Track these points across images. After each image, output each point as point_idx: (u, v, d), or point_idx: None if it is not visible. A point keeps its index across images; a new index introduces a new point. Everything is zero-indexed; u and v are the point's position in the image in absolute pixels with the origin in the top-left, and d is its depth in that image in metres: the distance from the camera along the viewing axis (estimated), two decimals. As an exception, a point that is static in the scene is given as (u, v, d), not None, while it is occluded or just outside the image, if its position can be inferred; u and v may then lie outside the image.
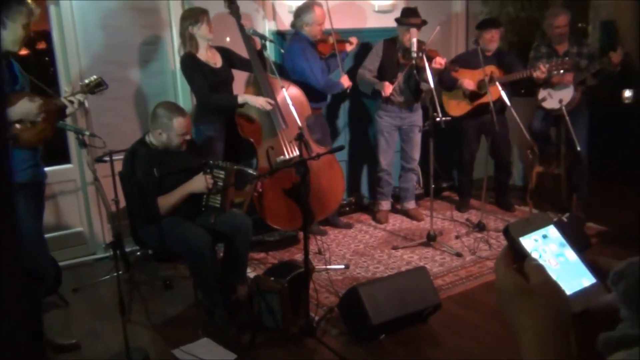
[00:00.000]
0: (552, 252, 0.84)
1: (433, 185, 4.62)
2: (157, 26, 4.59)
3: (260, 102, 4.12)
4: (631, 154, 5.14)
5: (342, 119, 5.39)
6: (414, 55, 4.39)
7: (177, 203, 3.41)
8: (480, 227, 4.74)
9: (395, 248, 4.53)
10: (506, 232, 0.84)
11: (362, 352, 3.10)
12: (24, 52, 4.35)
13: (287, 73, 4.57)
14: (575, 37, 5.05)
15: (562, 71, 4.60)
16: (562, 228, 0.86)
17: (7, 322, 0.50)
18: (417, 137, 5.06)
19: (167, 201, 3.39)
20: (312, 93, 4.49)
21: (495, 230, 4.76)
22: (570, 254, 0.85)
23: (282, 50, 4.65)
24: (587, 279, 0.83)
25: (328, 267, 4.13)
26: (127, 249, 4.06)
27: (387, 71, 4.79)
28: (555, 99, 4.73)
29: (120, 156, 3.49)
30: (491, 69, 4.82)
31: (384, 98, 4.87)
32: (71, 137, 4.28)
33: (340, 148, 3.56)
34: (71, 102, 3.00)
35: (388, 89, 4.69)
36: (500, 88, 4.40)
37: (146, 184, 3.36)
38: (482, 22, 5.17)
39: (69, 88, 3.16)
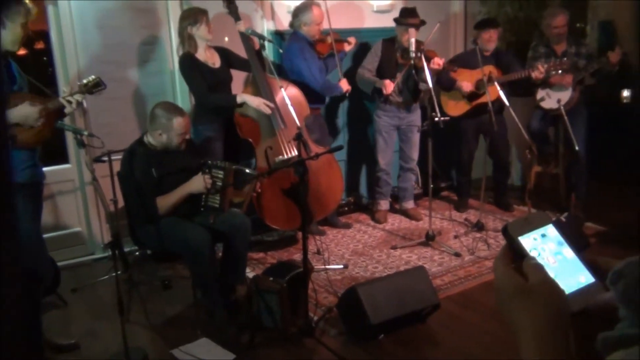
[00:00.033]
0: (550, 250, 0.84)
1: (432, 185, 4.63)
2: (155, 26, 4.59)
3: (257, 102, 4.12)
4: (629, 153, 5.15)
5: (340, 119, 5.40)
6: (413, 55, 4.39)
7: (176, 203, 3.41)
8: (479, 226, 4.74)
9: (394, 248, 4.53)
10: (505, 231, 0.84)
11: (361, 352, 3.10)
12: (22, 52, 4.35)
13: (286, 73, 4.56)
14: (574, 37, 5.06)
15: (560, 71, 4.60)
16: (560, 227, 0.87)
17: (7, 322, 0.50)
18: (416, 137, 5.06)
19: (166, 201, 3.39)
20: (311, 93, 4.49)
21: (493, 230, 4.76)
22: (568, 252, 0.85)
23: (281, 50, 4.65)
24: (584, 276, 0.83)
25: (327, 267, 4.13)
26: (126, 249, 4.07)
27: (385, 71, 4.80)
28: (553, 98, 4.74)
29: (119, 156, 3.49)
30: (490, 69, 4.82)
31: (383, 98, 4.88)
32: (69, 137, 4.27)
33: (339, 148, 3.57)
34: (69, 102, 2.99)
35: (389, 86, 4.68)
36: (498, 88, 4.40)
37: (145, 184, 3.36)
38: (481, 22, 5.18)
39: (68, 88, 3.16)
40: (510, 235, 0.83)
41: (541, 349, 0.73)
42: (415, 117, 5.05)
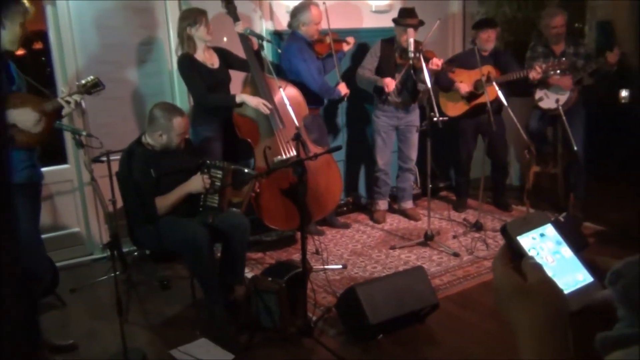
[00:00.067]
0: (549, 249, 0.85)
1: (430, 185, 4.63)
2: (153, 26, 4.59)
3: (256, 102, 4.12)
4: (628, 153, 5.16)
5: (339, 119, 5.40)
6: (412, 55, 4.39)
7: (175, 203, 3.41)
8: (478, 226, 4.75)
9: (392, 248, 4.53)
10: (504, 231, 0.84)
11: (360, 352, 3.10)
12: (20, 52, 4.34)
13: (285, 73, 4.56)
14: (572, 37, 5.06)
15: (558, 71, 4.61)
16: (559, 227, 0.87)
17: (8, 322, 0.50)
18: (414, 137, 5.07)
19: (164, 202, 3.39)
20: (311, 94, 4.49)
21: (492, 230, 4.77)
22: (566, 251, 0.85)
23: (279, 50, 4.65)
24: (582, 275, 0.84)
25: (326, 267, 4.12)
26: (125, 250, 4.07)
27: (384, 71, 4.79)
28: (552, 98, 4.74)
29: (118, 156, 3.49)
30: (488, 69, 4.82)
31: (385, 96, 4.88)
32: (68, 138, 4.27)
33: (338, 148, 3.57)
34: (68, 102, 2.99)
35: (391, 84, 4.67)
36: (497, 88, 4.41)
37: (143, 184, 3.36)
38: (479, 22, 5.18)
39: (66, 88, 3.15)
40: (509, 235, 0.84)
41: (540, 348, 0.73)
42: (414, 117, 5.05)
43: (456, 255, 4.34)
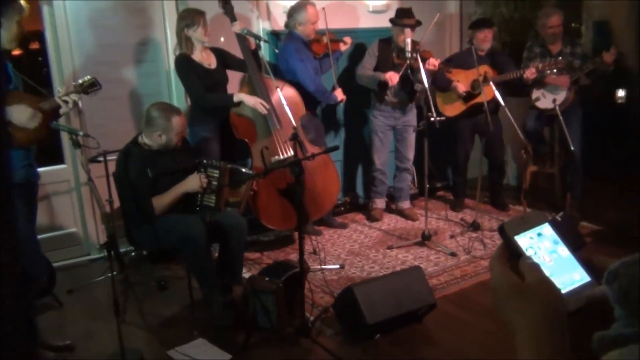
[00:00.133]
0: (546, 249, 0.85)
1: (427, 185, 4.63)
2: (150, 26, 4.58)
3: (253, 101, 4.12)
4: (625, 153, 5.17)
5: (337, 119, 5.40)
6: (409, 55, 4.40)
7: (172, 203, 3.41)
8: (475, 226, 4.75)
9: (390, 248, 4.54)
10: (501, 230, 0.84)
11: (358, 352, 3.10)
12: (17, 52, 4.34)
13: (282, 73, 4.56)
14: (569, 37, 5.07)
15: (555, 70, 4.62)
16: (556, 226, 0.87)
17: (8, 322, 0.50)
18: (411, 137, 5.07)
19: (161, 201, 3.39)
20: (308, 94, 4.49)
21: (489, 230, 4.77)
22: (563, 251, 0.86)
23: (277, 50, 4.65)
24: (579, 274, 0.84)
25: (323, 267, 4.12)
26: (122, 250, 4.06)
27: (382, 71, 4.79)
28: (548, 98, 4.75)
29: (115, 156, 3.48)
30: (485, 68, 4.83)
31: (381, 96, 4.89)
32: (65, 138, 4.26)
33: (335, 148, 3.57)
34: (65, 102, 2.99)
35: (394, 77, 4.64)
36: (494, 88, 4.41)
37: (140, 184, 3.35)
38: (475, 21, 5.19)
39: (63, 88, 3.15)
40: (507, 235, 0.84)
41: (538, 348, 0.74)
42: (411, 117, 5.06)
43: (453, 255, 4.35)
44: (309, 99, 4.51)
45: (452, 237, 4.73)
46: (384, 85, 4.79)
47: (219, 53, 4.32)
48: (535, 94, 4.91)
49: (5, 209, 0.52)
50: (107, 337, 3.26)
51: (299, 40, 4.55)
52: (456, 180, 5.55)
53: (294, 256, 4.33)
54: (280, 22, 4.94)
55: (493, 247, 4.44)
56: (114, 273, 3.03)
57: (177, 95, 4.67)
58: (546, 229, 0.86)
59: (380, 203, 5.29)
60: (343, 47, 4.72)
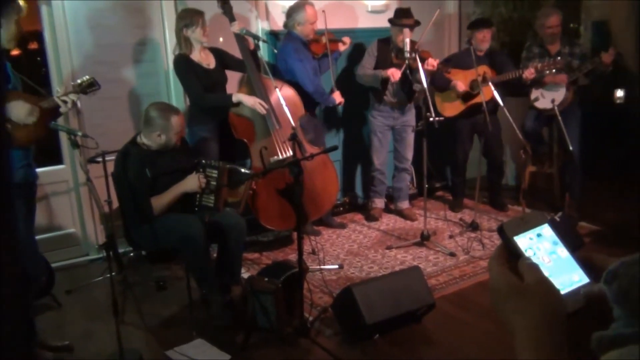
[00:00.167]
0: (545, 249, 0.85)
1: (426, 185, 4.63)
2: (149, 26, 4.58)
3: (252, 101, 4.12)
4: (623, 153, 5.17)
5: (335, 119, 5.40)
6: (407, 55, 4.40)
7: (171, 203, 3.41)
8: (474, 226, 4.75)
9: (389, 248, 4.54)
10: (501, 231, 0.84)
11: (356, 352, 3.10)
12: (15, 52, 4.33)
13: (281, 73, 4.56)
14: (567, 37, 5.08)
15: (554, 70, 4.62)
16: (555, 227, 0.87)
17: (8, 322, 0.50)
18: (410, 137, 5.08)
19: (160, 201, 3.39)
20: (307, 94, 4.49)
21: (488, 230, 4.78)
22: (563, 251, 0.86)
23: (275, 51, 4.65)
24: (577, 275, 0.84)
25: (322, 267, 4.12)
26: (120, 250, 4.06)
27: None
28: (547, 98, 4.75)
29: (113, 157, 3.48)
30: (484, 69, 4.83)
31: (378, 98, 4.90)
32: (63, 138, 4.26)
33: (334, 148, 3.57)
34: (64, 102, 2.99)
35: (396, 73, 4.62)
36: (492, 88, 4.42)
37: (138, 184, 3.35)
38: (474, 22, 5.19)
39: (61, 88, 3.15)
40: (506, 235, 0.84)
41: (537, 349, 0.74)
42: (410, 117, 5.06)
43: (452, 255, 4.35)
44: (308, 99, 4.51)
45: (451, 237, 4.73)
46: (385, 82, 4.78)
47: (217, 53, 4.32)
48: (534, 94, 4.91)
49: (5, 209, 0.52)
50: (105, 338, 3.26)
51: (298, 40, 4.55)
52: (455, 181, 5.55)
53: (293, 256, 4.33)
54: (279, 22, 4.94)
55: (492, 247, 4.45)
56: (113, 273, 3.03)
57: (176, 95, 4.67)
58: (546, 229, 0.86)
59: (379, 203, 5.29)
60: (342, 47, 4.72)
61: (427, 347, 3.18)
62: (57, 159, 4.43)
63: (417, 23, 4.70)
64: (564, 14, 4.92)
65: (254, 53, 4.26)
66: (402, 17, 4.72)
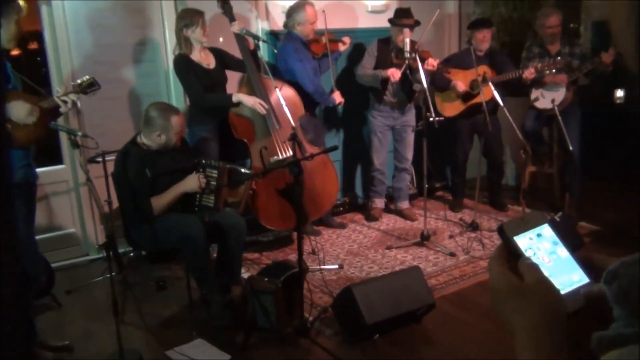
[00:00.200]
0: (545, 250, 0.85)
1: (426, 185, 4.63)
2: (149, 26, 4.58)
3: (252, 101, 4.12)
4: (623, 153, 5.18)
5: (335, 119, 5.40)
6: (407, 55, 4.40)
7: (171, 203, 3.41)
8: (474, 226, 4.75)
9: (389, 248, 4.54)
10: (501, 230, 0.84)
11: (356, 352, 3.10)
12: (15, 52, 4.33)
13: (281, 73, 4.56)
14: (567, 37, 5.08)
15: (554, 70, 4.62)
16: (555, 227, 0.87)
17: (8, 322, 0.50)
18: (410, 137, 5.08)
19: (160, 201, 3.39)
20: (307, 94, 4.49)
21: (488, 230, 4.78)
22: (563, 252, 0.86)
23: (275, 51, 4.65)
24: (577, 275, 0.84)
25: (322, 267, 4.12)
26: (120, 250, 4.06)
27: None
28: (547, 99, 4.75)
29: (113, 157, 3.48)
30: (484, 69, 4.83)
31: (378, 98, 4.90)
32: (63, 138, 4.26)
33: (334, 148, 3.57)
34: (64, 102, 2.99)
35: (396, 73, 4.62)
36: (492, 88, 4.42)
37: (138, 184, 3.35)
38: (474, 22, 5.19)
39: (61, 88, 3.15)
40: (506, 235, 0.84)
41: (537, 349, 0.74)
42: (410, 117, 5.06)
43: (452, 255, 4.35)
44: (308, 99, 4.51)
45: (451, 237, 4.73)
46: (385, 82, 4.78)
47: (218, 53, 4.32)
48: (534, 94, 4.91)
49: (5, 209, 0.52)
50: (105, 338, 3.26)
51: (298, 40, 4.55)
52: (455, 180, 5.56)
53: (293, 256, 4.33)
54: (279, 22, 4.94)
55: (492, 247, 4.45)
56: (113, 273, 3.03)
57: (176, 95, 4.67)
58: (546, 229, 0.86)
59: (379, 202, 5.29)
60: (342, 47, 4.72)
61: (427, 347, 3.18)
62: (57, 159, 4.43)
63: (417, 23, 4.70)
64: (564, 14, 4.92)
65: (254, 53, 4.26)
66: (402, 17, 4.72)
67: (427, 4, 5.47)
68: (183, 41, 4.11)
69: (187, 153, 3.67)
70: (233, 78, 4.55)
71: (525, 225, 0.85)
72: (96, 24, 4.33)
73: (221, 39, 4.64)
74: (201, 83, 4.10)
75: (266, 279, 3.24)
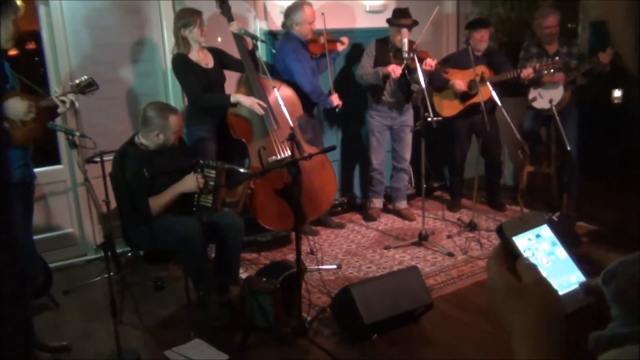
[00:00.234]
0: (544, 250, 0.85)
1: (424, 185, 4.64)
2: (147, 26, 4.58)
3: (250, 102, 4.12)
4: (621, 153, 5.18)
5: (334, 119, 5.40)
6: (405, 55, 4.40)
7: (169, 203, 3.41)
8: (472, 226, 4.76)
9: (387, 248, 4.54)
10: (500, 231, 0.84)
11: (355, 352, 3.10)
12: (13, 52, 4.33)
13: (279, 73, 4.56)
14: (565, 37, 5.08)
15: (552, 70, 4.63)
16: (554, 227, 0.87)
17: (8, 322, 0.50)
18: (408, 137, 5.08)
19: (158, 201, 3.38)
20: (305, 94, 4.49)
21: (486, 230, 4.78)
22: (561, 253, 0.86)
23: (274, 51, 4.65)
24: (575, 276, 0.84)
25: (320, 267, 4.13)
26: (118, 250, 4.05)
27: (379, 71, 4.80)
28: (545, 98, 4.76)
29: (111, 157, 3.48)
30: (482, 69, 4.84)
31: (376, 98, 4.90)
32: (61, 138, 4.25)
33: (332, 148, 3.57)
34: (63, 101, 2.99)
35: (397, 69, 4.61)
36: (490, 88, 4.42)
37: (136, 184, 3.35)
38: (472, 22, 5.20)
39: (59, 88, 3.15)
40: (505, 235, 0.84)
41: (535, 349, 0.74)
42: (408, 117, 5.06)
43: (450, 255, 4.35)
44: (307, 99, 4.51)
45: (449, 237, 4.73)
46: (386, 79, 4.77)
47: (216, 53, 4.31)
48: (532, 94, 4.92)
49: (4, 209, 0.51)
50: (104, 338, 3.26)
51: (296, 40, 4.55)
52: (453, 180, 5.56)
53: (291, 256, 4.33)
54: (277, 22, 4.94)
55: (490, 247, 4.45)
56: (111, 273, 3.02)
57: (174, 95, 4.67)
58: (545, 230, 0.86)
59: (377, 202, 5.29)
60: (340, 47, 4.72)
61: (426, 347, 3.18)
62: (55, 159, 4.43)
63: (415, 23, 4.71)
64: (561, 14, 4.93)
65: (252, 53, 4.26)
66: (400, 17, 4.72)
67: (425, 4, 5.47)
68: (181, 41, 4.10)
69: (185, 153, 3.67)
70: (232, 78, 4.55)
71: (524, 225, 0.86)
72: (94, 24, 4.33)
73: (219, 39, 4.64)
74: (199, 83, 4.10)
75: (264, 279, 3.24)
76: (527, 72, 4.63)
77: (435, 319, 3.37)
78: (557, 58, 4.66)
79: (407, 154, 5.15)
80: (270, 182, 4.07)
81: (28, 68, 5.11)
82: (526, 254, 0.83)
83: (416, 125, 4.65)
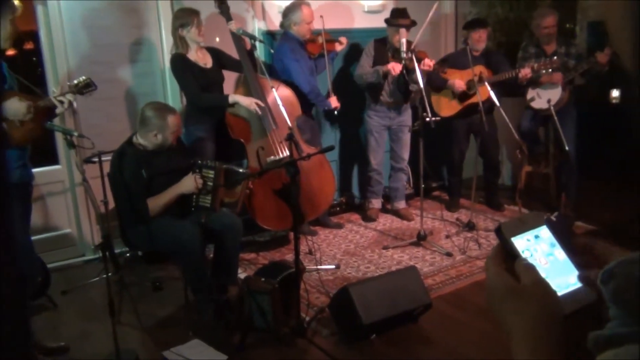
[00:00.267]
0: (542, 251, 0.85)
1: (423, 185, 4.64)
2: (145, 26, 4.57)
3: (248, 102, 4.12)
4: (619, 153, 5.19)
5: (332, 119, 5.39)
6: (404, 56, 4.40)
7: (167, 204, 3.40)
8: (470, 226, 4.76)
9: (385, 248, 4.54)
10: (498, 231, 0.84)
11: (353, 352, 3.10)
12: (11, 52, 4.32)
13: (277, 73, 4.56)
14: (563, 37, 5.09)
15: (550, 70, 4.63)
16: (553, 228, 0.87)
17: (7, 322, 0.50)
18: (407, 137, 5.08)
19: (156, 202, 3.38)
20: (304, 95, 4.49)
21: (485, 230, 4.78)
22: (560, 253, 0.86)
23: (272, 50, 4.64)
24: (574, 277, 0.84)
25: (319, 267, 4.12)
26: (117, 251, 4.05)
27: (378, 70, 4.80)
28: (543, 98, 4.76)
29: (109, 157, 3.48)
30: (480, 69, 4.84)
31: (374, 98, 4.90)
32: (59, 138, 4.24)
33: (331, 148, 3.57)
34: (61, 102, 2.98)
35: (397, 67, 4.60)
36: (489, 88, 4.42)
37: (134, 185, 3.34)
38: (470, 22, 5.20)
39: (57, 88, 3.14)
40: (504, 236, 0.84)
41: (534, 350, 0.74)
42: (406, 117, 5.06)
43: (449, 255, 4.35)
44: (305, 99, 4.51)
45: (447, 237, 4.73)
46: (386, 77, 4.77)
47: (214, 53, 4.31)
48: (530, 94, 4.92)
49: (3, 210, 0.51)
50: (102, 338, 3.25)
51: (294, 40, 4.55)
52: (451, 180, 5.56)
53: (289, 256, 4.33)
54: (275, 22, 4.94)
55: (488, 247, 4.45)
56: (109, 274, 3.02)
57: (172, 95, 4.67)
58: (543, 231, 0.86)
59: (376, 203, 5.29)
60: (338, 48, 4.72)
61: (424, 347, 3.18)
62: (53, 160, 4.42)
63: (414, 23, 4.71)
64: (560, 14, 4.94)
65: (250, 53, 4.26)
66: (398, 17, 4.72)
67: (423, 4, 5.46)
68: (179, 41, 4.10)
69: (183, 153, 3.67)
70: (230, 78, 4.54)
71: (523, 226, 0.85)
72: (92, 24, 4.32)
73: (218, 39, 4.63)
74: (198, 82, 4.09)
75: (263, 279, 3.23)
76: (525, 72, 4.63)
77: (434, 319, 3.37)
78: (555, 58, 4.66)
79: (406, 154, 5.15)
80: (268, 182, 4.07)
81: (26, 68, 5.09)
82: (525, 254, 0.83)
83: (414, 125, 4.65)
